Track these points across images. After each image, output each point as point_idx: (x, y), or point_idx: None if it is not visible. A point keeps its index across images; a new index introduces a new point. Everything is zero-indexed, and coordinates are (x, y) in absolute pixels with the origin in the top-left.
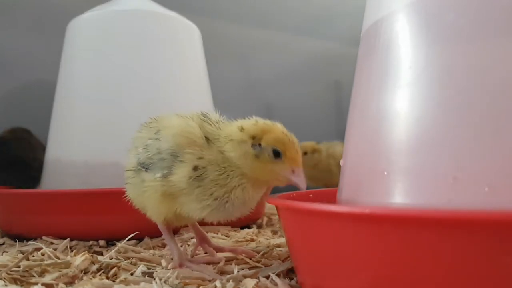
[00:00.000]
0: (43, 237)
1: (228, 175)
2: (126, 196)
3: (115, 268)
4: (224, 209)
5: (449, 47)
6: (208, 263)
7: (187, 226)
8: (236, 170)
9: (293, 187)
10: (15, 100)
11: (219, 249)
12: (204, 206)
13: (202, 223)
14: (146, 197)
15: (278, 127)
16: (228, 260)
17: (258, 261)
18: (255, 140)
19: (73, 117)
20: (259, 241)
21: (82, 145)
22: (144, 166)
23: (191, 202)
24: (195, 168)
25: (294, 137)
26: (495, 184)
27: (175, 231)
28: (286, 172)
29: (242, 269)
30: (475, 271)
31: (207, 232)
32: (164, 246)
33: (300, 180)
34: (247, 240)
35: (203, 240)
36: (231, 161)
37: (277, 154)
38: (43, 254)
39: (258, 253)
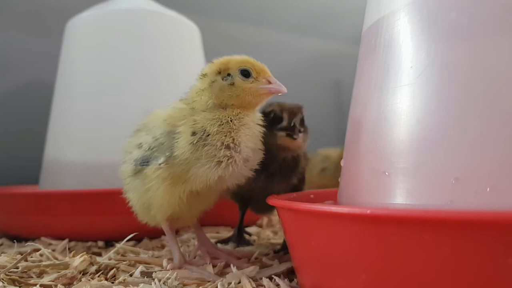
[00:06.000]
0: (42, 238)
1: (227, 121)
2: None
3: (114, 269)
4: (240, 154)
5: (450, 46)
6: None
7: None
8: (227, 116)
9: None
10: (13, 100)
11: (216, 255)
12: (219, 159)
13: (202, 223)
14: (151, 193)
15: (236, 56)
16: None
17: (258, 262)
18: (223, 73)
19: (71, 117)
20: (259, 242)
21: (81, 146)
22: (144, 162)
23: (203, 165)
24: (194, 133)
25: None
26: (497, 184)
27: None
28: (263, 84)
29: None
30: (477, 272)
31: (206, 233)
32: (163, 247)
33: (278, 85)
34: None
35: (203, 244)
36: (216, 111)
37: (246, 73)
38: (41, 255)
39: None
